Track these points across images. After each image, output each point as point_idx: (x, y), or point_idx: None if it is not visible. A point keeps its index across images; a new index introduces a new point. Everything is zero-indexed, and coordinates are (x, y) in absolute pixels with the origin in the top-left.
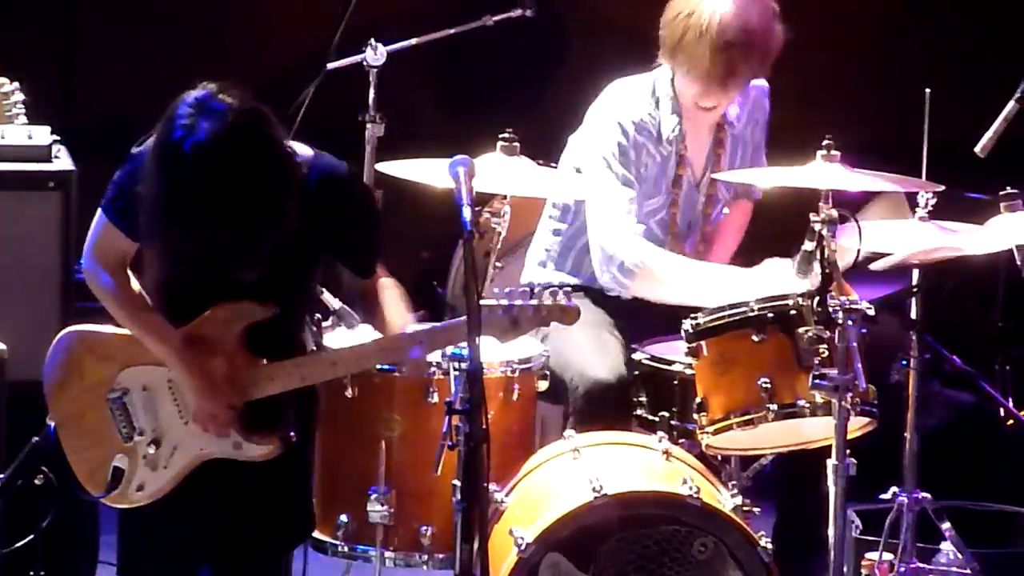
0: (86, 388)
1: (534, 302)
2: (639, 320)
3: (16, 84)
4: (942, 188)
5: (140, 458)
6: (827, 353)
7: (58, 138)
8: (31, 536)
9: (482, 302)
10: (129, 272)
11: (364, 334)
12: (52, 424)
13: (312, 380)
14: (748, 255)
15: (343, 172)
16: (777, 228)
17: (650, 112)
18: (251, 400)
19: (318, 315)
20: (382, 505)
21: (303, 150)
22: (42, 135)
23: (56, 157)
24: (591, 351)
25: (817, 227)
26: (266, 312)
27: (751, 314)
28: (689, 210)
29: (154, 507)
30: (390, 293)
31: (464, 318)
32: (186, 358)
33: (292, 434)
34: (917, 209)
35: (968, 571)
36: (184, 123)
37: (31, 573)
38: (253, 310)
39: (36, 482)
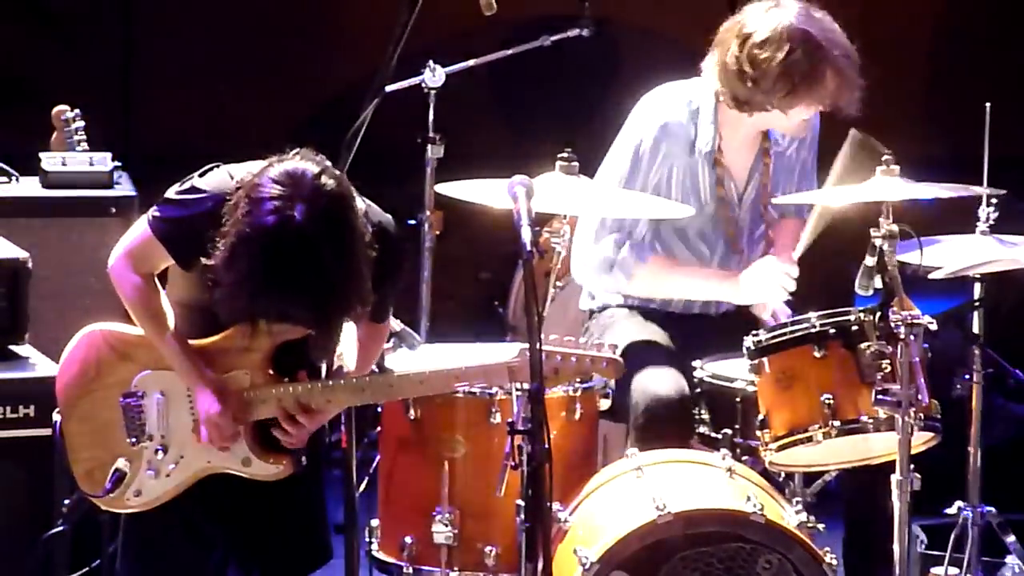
0: (101, 386)
1: (577, 352)
2: (699, 338)
3: (77, 111)
4: (1003, 192)
5: (144, 463)
6: (889, 368)
7: (119, 164)
8: (97, 561)
9: (523, 346)
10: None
11: (425, 356)
12: (58, 419)
13: (337, 403)
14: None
15: (392, 225)
16: (839, 244)
17: (681, 120)
18: (265, 419)
19: None
20: (446, 526)
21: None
22: (103, 161)
23: (117, 183)
24: (652, 368)
25: (878, 242)
26: (296, 332)
27: (813, 330)
28: (731, 226)
29: (153, 517)
30: (374, 344)
31: (502, 362)
32: (199, 367)
33: (303, 458)
34: (978, 223)
35: None
36: (278, 206)
37: None
38: (284, 329)
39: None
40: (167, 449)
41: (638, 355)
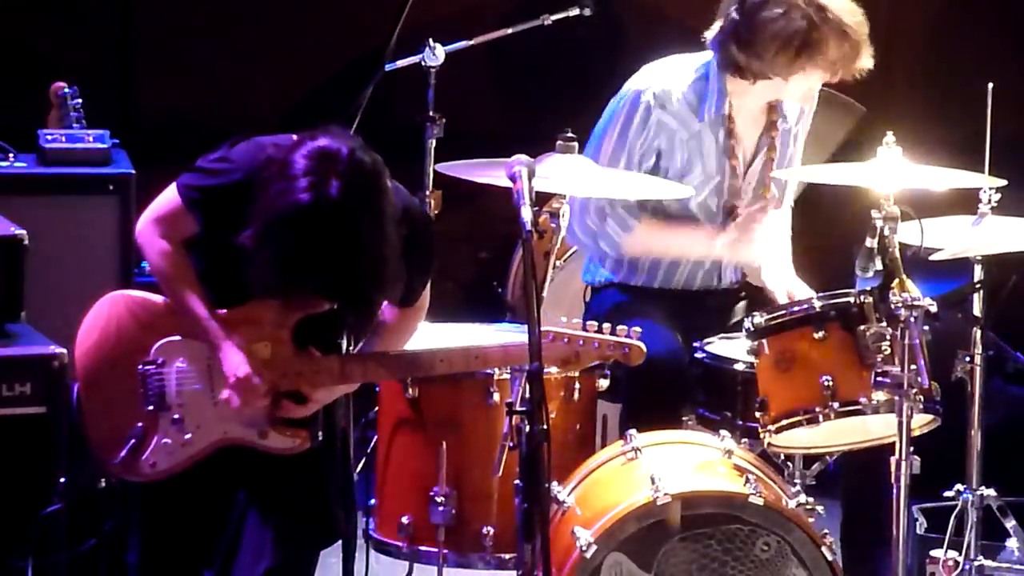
0: (121, 353)
1: (599, 337)
2: (700, 319)
3: (75, 88)
4: (1004, 183)
5: (160, 432)
6: (890, 350)
7: (117, 141)
8: (94, 540)
9: (547, 328)
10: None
11: (424, 336)
12: (76, 384)
13: (354, 379)
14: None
15: (419, 208)
16: (839, 226)
17: (682, 88)
18: (284, 391)
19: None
20: (444, 506)
21: None
22: (101, 138)
23: (114, 160)
24: (647, 334)
25: (878, 224)
26: (319, 307)
27: (813, 312)
28: (735, 197)
29: (166, 487)
30: (400, 330)
31: (523, 343)
32: (225, 331)
33: (319, 433)
34: (980, 204)
35: None
36: (313, 182)
37: None
38: (307, 304)
39: (99, 486)
40: (184, 418)
41: (632, 322)
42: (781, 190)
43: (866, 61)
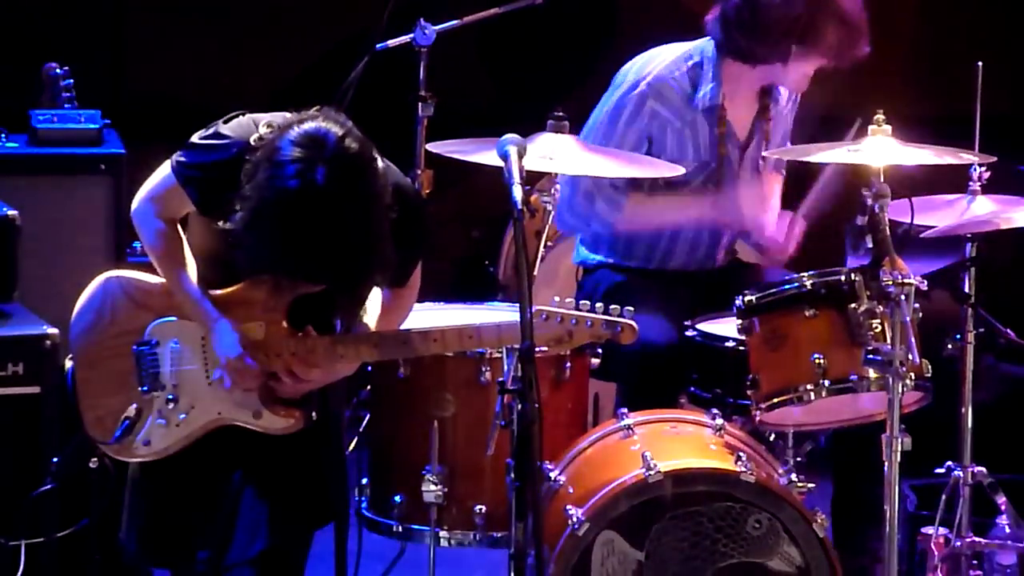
0: (115, 333)
1: (592, 316)
2: (694, 299)
3: (67, 68)
4: (995, 159)
5: (154, 412)
6: (880, 328)
7: (108, 121)
8: (86, 520)
9: (540, 307)
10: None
11: (416, 315)
12: (70, 364)
13: (348, 359)
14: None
15: (410, 187)
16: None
17: (675, 76)
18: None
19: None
20: (436, 485)
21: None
22: (93, 118)
23: (106, 140)
24: (644, 318)
25: (869, 202)
26: (312, 287)
27: (803, 290)
28: (731, 182)
29: (161, 467)
30: (397, 309)
31: (517, 321)
32: (219, 311)
33: (313, 413)
34: (970, 183)
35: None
36: (300, 169)
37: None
38: (301, 285)
39: (91, 466)
40: (178, 399)
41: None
42: (777, 169)
43: (863, 49)
